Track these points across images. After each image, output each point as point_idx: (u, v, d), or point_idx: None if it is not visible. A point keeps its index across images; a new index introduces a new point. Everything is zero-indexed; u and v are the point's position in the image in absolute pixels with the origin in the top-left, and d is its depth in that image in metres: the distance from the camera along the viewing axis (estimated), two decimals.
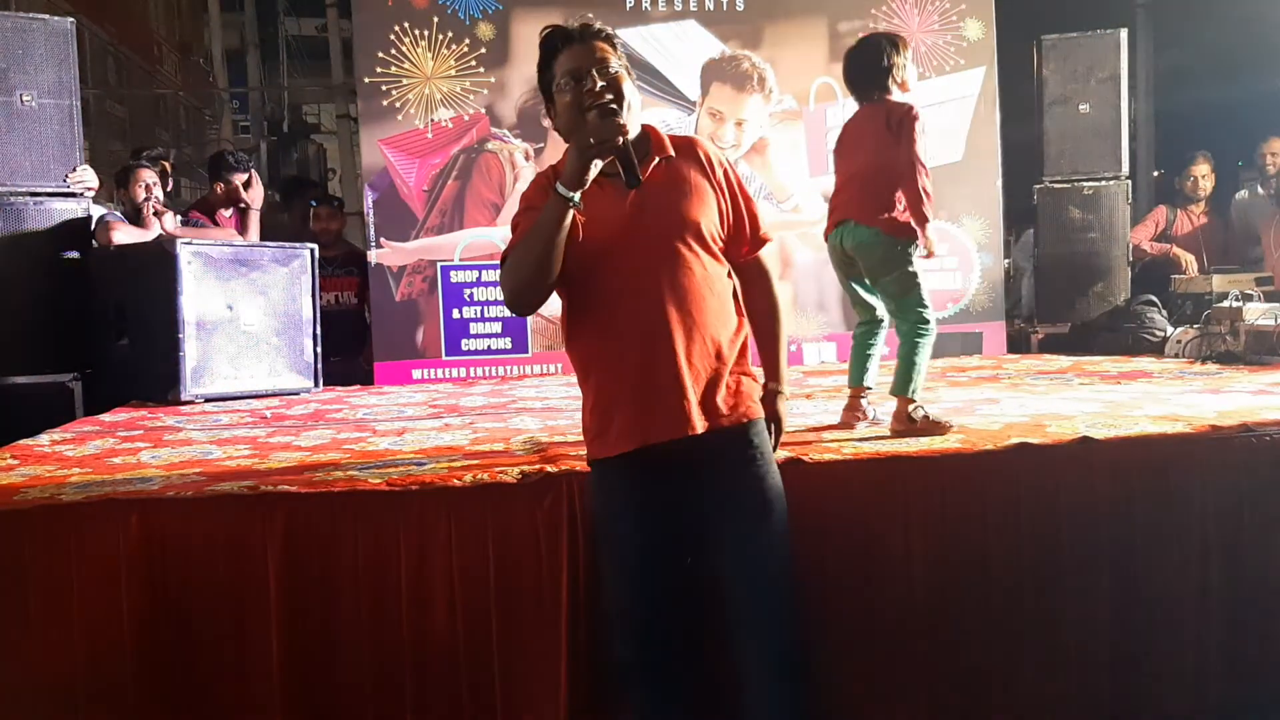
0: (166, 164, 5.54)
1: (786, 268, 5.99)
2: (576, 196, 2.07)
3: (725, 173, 2.30)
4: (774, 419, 2.35)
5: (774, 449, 2.33)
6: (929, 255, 3.42)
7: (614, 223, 2.17)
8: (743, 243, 2.33)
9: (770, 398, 2.35)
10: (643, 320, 2.18)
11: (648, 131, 2.29)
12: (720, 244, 2.27)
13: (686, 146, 2.31)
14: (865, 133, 3.45)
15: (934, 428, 3.12)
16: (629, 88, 2.20)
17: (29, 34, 4.72)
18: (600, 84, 2.14)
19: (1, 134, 4.66)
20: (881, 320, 3.51)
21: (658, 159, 2.24)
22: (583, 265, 2.17)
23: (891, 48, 3.43)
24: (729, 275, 2.31)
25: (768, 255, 2.39)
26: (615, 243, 2.18)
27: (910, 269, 3.39)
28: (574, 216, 2.11)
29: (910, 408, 3.17)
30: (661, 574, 2.25)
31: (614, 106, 2.10)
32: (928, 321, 3.35)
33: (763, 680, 2.24)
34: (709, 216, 2.24)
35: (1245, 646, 2.86)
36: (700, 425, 2.19)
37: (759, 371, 2.37)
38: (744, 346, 2.30)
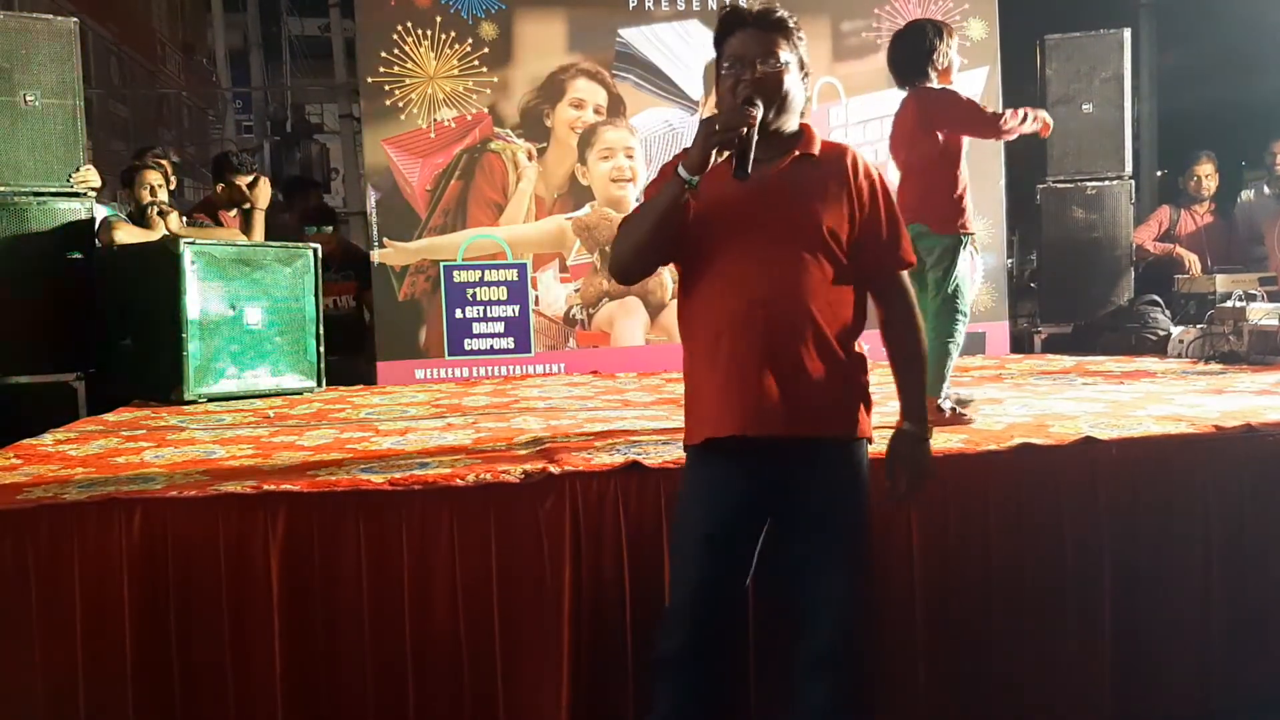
0: (167, 163, 5.55)
1: None
2: (695, 179, 2.07)
3: (870, 184, 2.20)
4: (904, 461, 2.24)
5: (902, 491, 2.25)
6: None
7: (731, 209, 2.16)
8: (878, 258, 2.21)
9: (903, 438, 2.25)
10: (738, 309, 2.14)
11: (802, 129, 2.23)
12: (844, 252, 2.17)
13: (835, 153, 2.24)
14: (903, 128, 3.50)
15: (958, 420, 3.17)
16: (791, 81, 2.17)
17: (32, 34, 4.73)
18: (757, 75, 2.13)
19: (5, 134, 4.67)
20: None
21: (798, 154, 2.18)
22: (695, 246, 2.19)
23: (935, 34, 3.44)
24: (854, 288, 2.21)
25: (907, 279, 2.27)
26: (728, 229, 2.16)
27: (954, 268, 3.38)
28: (688, 198, 2.12)
29: (936, 402, 3.20)
30: (723, 559, 2.20)
31: (755, 99, 2.10)
32: (959, 324, 3.38)
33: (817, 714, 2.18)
34: (833, 222, 2.15)
35: (1249, 647, 2.86)
36: (781, 428, 2.12)
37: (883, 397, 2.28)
38: (859, 364, 2.21)
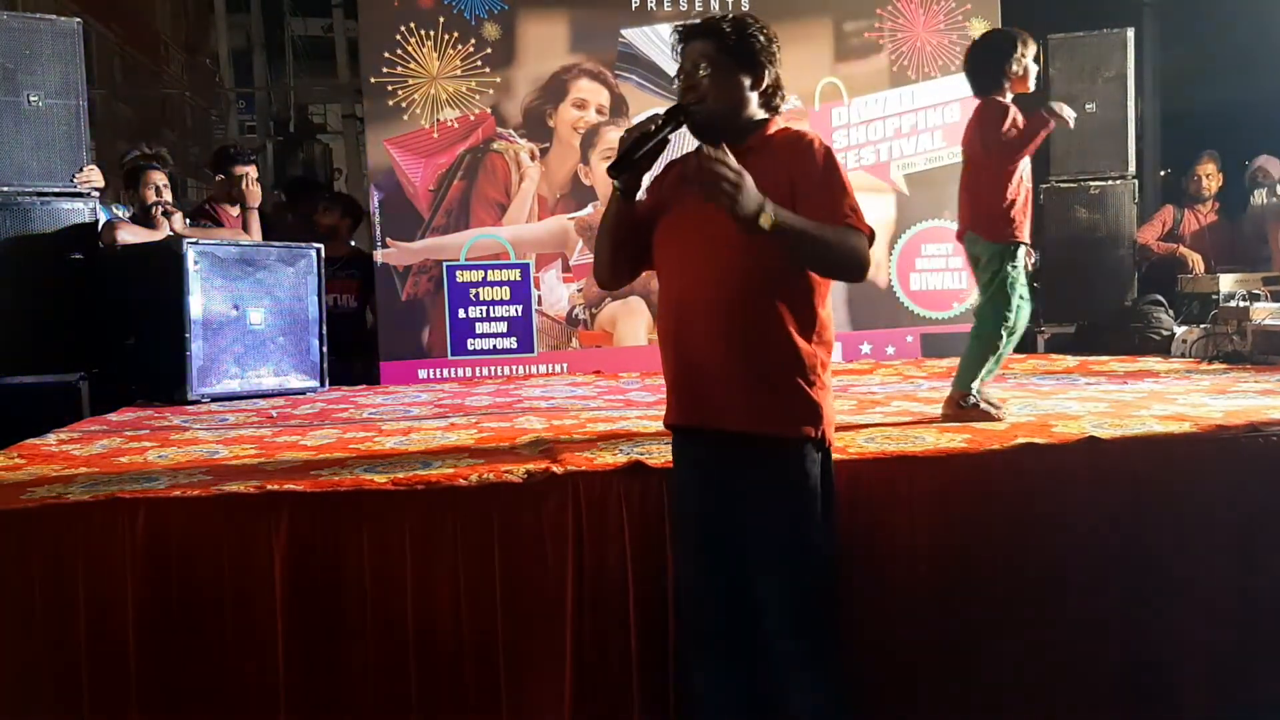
0: (164, 154, 5.55)
1: None
2: (617, 182, 2.24)
3: (809, 162, 2.20)
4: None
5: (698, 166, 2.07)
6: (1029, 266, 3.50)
7: (682, 213, 2.27)
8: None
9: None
10: (679, 305, 2.28)
11: (760, 125, 2.29)
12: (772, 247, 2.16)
13: (784, 140, 2.27)
14: (968, 135, 3.54)
15: (983, 415, 3.25)
16: (716, 82, 2.24)
17: (36, 34, 4.73)
18: (688, 84, 2.27)
19: (9, 134, 4.67)
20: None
21: (745, 153, 2.15)
22: (657, 251, 2.33)
23: (1009, 44, 3.45)
24: (798, 286, 2.21)
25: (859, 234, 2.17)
26: (678, 232, 2.29)
27: (1003, 274, 3.41)
28: (638, 201, 2.30)
29: (963, 397, 3.31)
30: (709, 551, 2.32)
31: (670, 110, 2.24)
32: (1001, 332, 3.41)
33: (789, 676, 2.28)
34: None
35: (1255, 647, 2.86)
36: (703, 420, 2.26)
37: (825, 395, 2.25)
38: (794, 362, 2.21)
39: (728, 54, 2.24)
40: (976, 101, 3.53)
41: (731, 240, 2.13)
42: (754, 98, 2.29)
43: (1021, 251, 3.44)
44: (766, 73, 2.29)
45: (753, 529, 2.25)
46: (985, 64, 3.48)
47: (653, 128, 2.19)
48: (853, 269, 2.17)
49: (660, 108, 2.35)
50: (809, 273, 2.22)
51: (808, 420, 2.22)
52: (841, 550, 2.37)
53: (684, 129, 2.25)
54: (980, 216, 3.47)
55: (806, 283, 2.23)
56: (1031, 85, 3.50)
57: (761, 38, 2.27)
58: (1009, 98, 3.47)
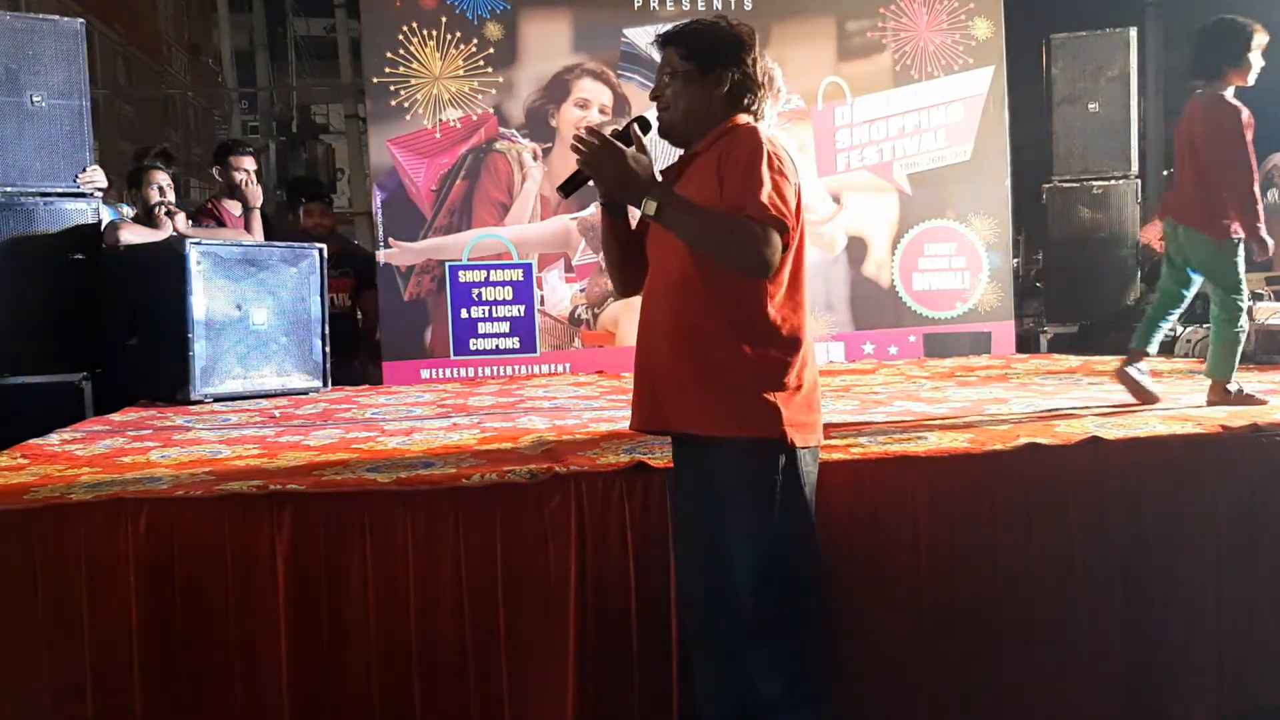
0: (170, 155, 5.55)
1: None
2: (600, 196, 2.30)
3: (736, 154, 2.16)
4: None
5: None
6: (1262, 257, 3.57)
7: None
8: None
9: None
10: (644, 313, 2.34)
11: (712, 134, 2.26)
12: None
13: (724, 132, 2.25)
14: (1187, 127, 3.61)
15: (1249, 400, 3.38)
16: (676, 89, 2.27)
17: (39, 35, 4.73)
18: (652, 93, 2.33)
19: (12, 135, 4.67)
20: (1183, 301, 3.73)
21: (694, 157, 2.28)
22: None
23: (1249, 35, 3.49)
24: (742, 287, 2.18)
25: (761, 225, 2.10)
26: (651, 237, 2.34)
27: (1235, 266, 3.53)
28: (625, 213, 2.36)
29: (1226, 384, 3.46)
30: (687, 539, 2.40)
31: (640, 118, 2.29)
32: (1239, 316, 3.54)
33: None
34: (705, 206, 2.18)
35: (1259, 648, 2.85)
36: (649, 424, 2.33)
37: (788, 397, 2.21)
38: (739, 363, 2.19)
39: (691, 60, 2.25)
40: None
41: (678, 248, 2.19)
42: (720, 101, 2.27)
43: (1240, 244, 3.52)
44: (731, 74, 2.26)
45: (722, 527, 2.29)
46: (1217, 50, 3.51)
47: (582, 148, 2.21)
48: (745, 263, 2.12)
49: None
50: (756, 284, 2.20)
51: (758, 423, 2.18)
52: (820, 552, 2.35)
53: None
54: (1198, 211, 3.54)
55: (751, 286, 2.18)
56: (1251, 79, 3.53)
57: (727, 40, 2.27)
58: (1230, 91, 3.52)
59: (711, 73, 2.25)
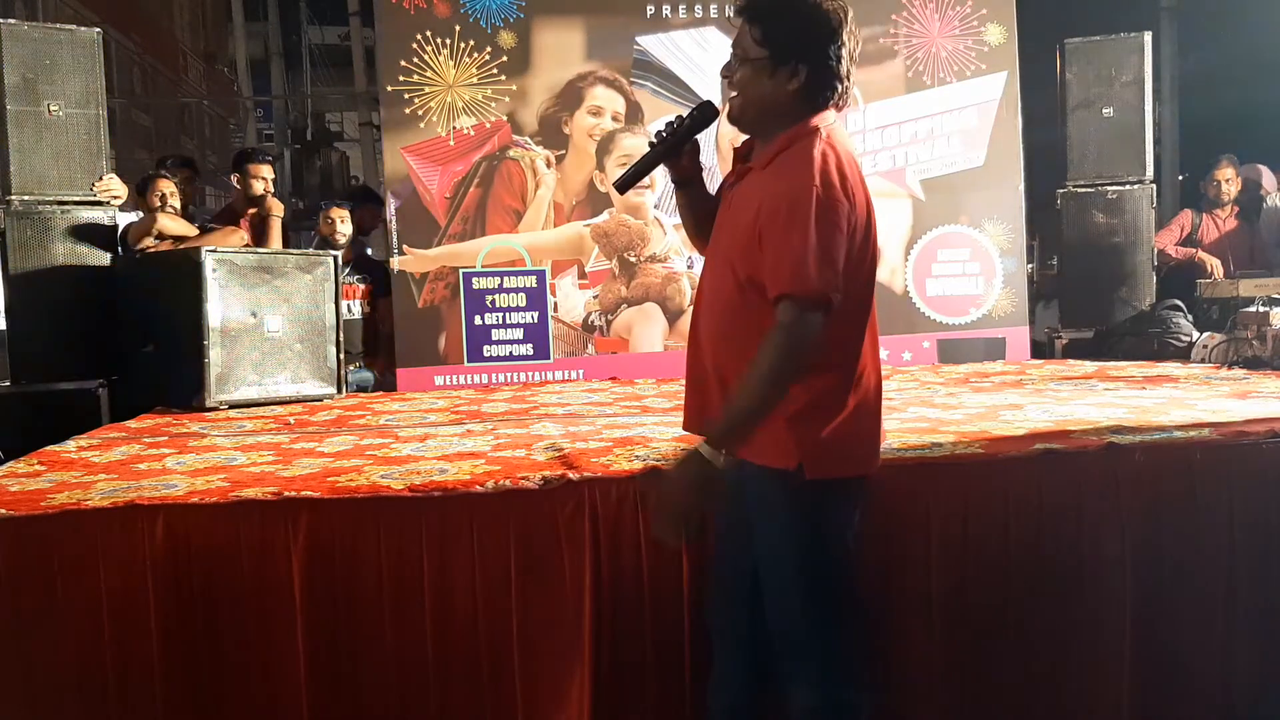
0: (184, 173, 5.59)
1: None
2: (679, 179, 2.31)
3: (778, 204, 1.99)
4: (671, 481, 2.06)
5: (659, 524, 2.11)
6: None
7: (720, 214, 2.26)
8: (767, 284, 2.01)
9: (684, 457, 2.05)
10: (695, 311, 2.27)
11: (782, 136, 2.07)
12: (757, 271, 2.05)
13: (780, 165, 2.05)
14: None
15: None
16: (744, 78, 2.07)
17: (56, 45, 4.77)
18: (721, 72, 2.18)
19: (29, 143, 4.72)
20: None
21: (752, 168, 2.13)
22: None
23: None
24: (755, 313, 2.06)
25: (786, 311, 1.97)
26: (714, 233, 2.25)
27: None
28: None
29: None
30: (722, 554, 2.33)
31: (700, 106, 2.26)
32: None
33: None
34: (747, 241, 2.05)
35: (1272, 656, 2.83)
36: (698, 430, 2.21)
37: (820, 428, 2.07)
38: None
39: (766, 44, 2.03)
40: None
41: (735, 265, 2.07)
42: (791, 96, 2.05)
43: None
44: (809, 68, 2.03)
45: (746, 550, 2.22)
46: None
47: (667, 134, 2.21)
48: (802, 367, 1.99)
49: (671, 114, 2.39)
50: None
51: (778, 454, 2.05)
52: (847, 583, 2.24)
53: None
54: None
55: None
56: None
57: (811, 27, 2.02)
58: None
59: (785, 65, 2.03)
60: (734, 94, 2.11)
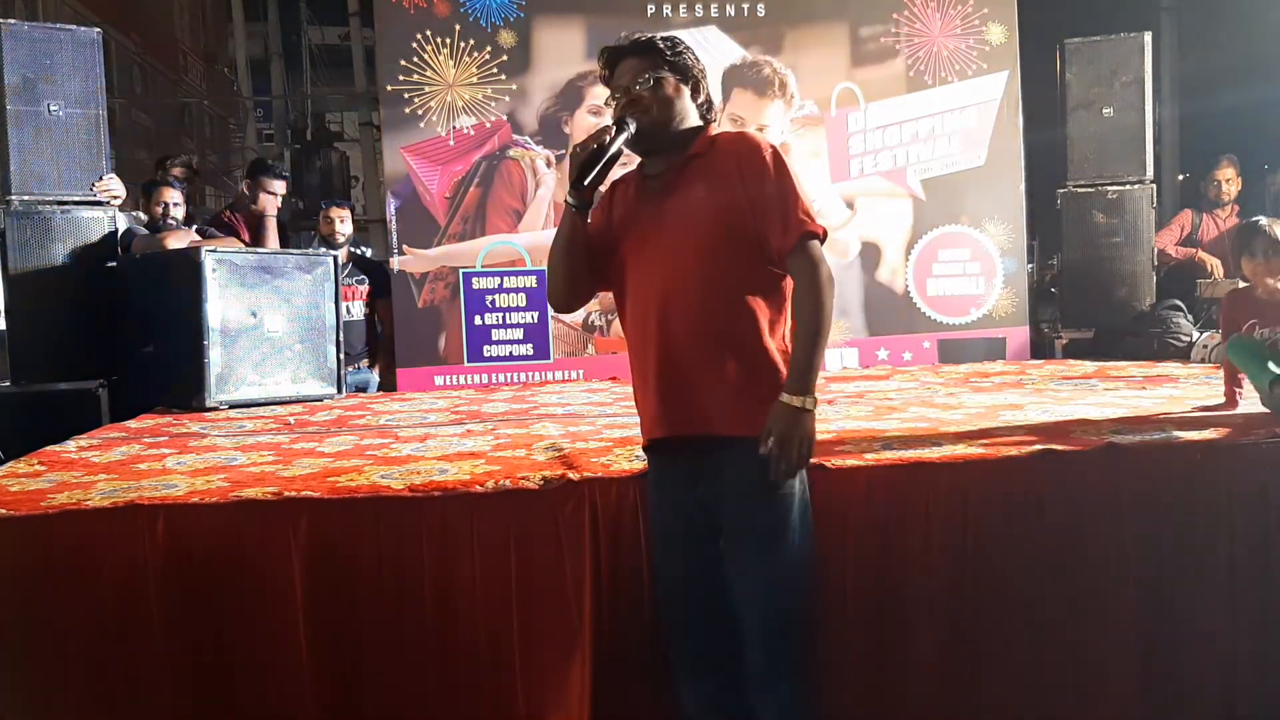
0: (185, 170, 5.60)
1: None
2: (577, 202, 2.28)
3: (757, 161, 2.22)
4: (777, 436, 2.15)
5: (779, 469, 2.16)
6: None
7: (636, 226, 2.33)
8: (777, 236, 2.21)
9: (777, 411, 2.16)
10: (646, 318, 2.29)
11: (697, 134, 2.33)
12: (743, 242, 2.22)
13: (730, 141, 2.30)
14: None
15: None
16: (664, 95, 2.30)
17: (56, 44, 4.77)
18: (630, 97, 2.30)
19: (29, 143, 4.71)
20: None
21: (688, 157, 2.30)
22: (615, 264, 2.36)
23: None
24: (766, 282, 2.25)
25: (813, 249, 2.20)
26: (634, 245, 2.33)
27: None
28: (590, 217, 2.34)
29: None
30: (678, 559, 2.35)
31: (626, 118, 2.27)
32: None
33: (759, 684, 2.29)
34: (728, 212, 2.22)
35: (1271, 656, 2.83)
36: (684, 428, 2.25)
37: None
38: (767, 361, 2.23)
39: (668, 68, 2.31)
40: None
41: (702, 248, 2.21)
42: (693, 109, 2.35)
43: None
44: (702, 85, 2.37)
45: (733, 533, 2.26)
46: None
47: (607, 139, 2.22)
48: (829, 302, 2.20)
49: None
50: (781, 279, 2.27)
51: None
52: (816, 557, 2.38)
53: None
54: None
55: (779, 289, 2.27)
56: None
57: (691, 56, 2.36)
58: None
59: (687, 82, 2.35)
60: (643, 115, 2.29)
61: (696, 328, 2.22)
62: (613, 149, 2.21)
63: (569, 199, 2.28)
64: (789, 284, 2.27)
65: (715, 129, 2.37)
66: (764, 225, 2.21)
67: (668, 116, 2.30)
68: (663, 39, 2.34)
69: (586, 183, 2.22)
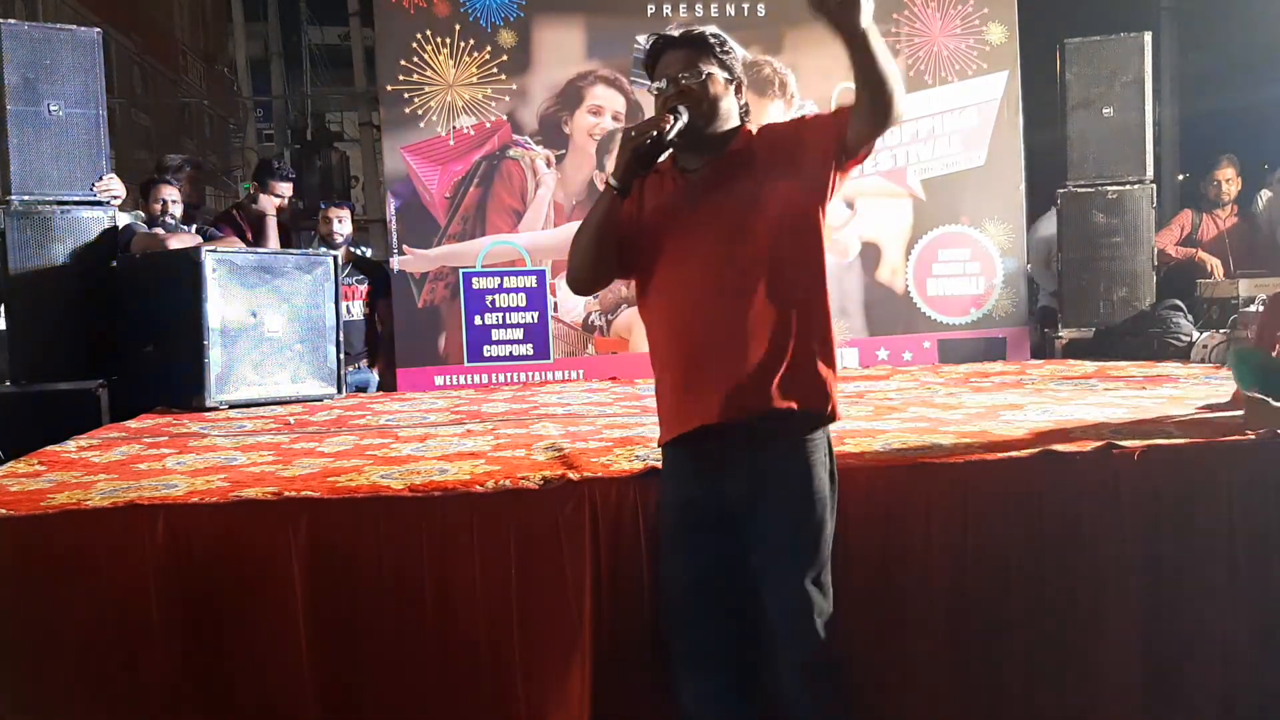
0: (189, 172, 5.60)
1: None
2: (621, 186, 2.24)
3: (799, 119, 2.35)
4: None
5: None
6: None
7: (672, 215, 2.32)
8: (828, 130, 2.26)
9: None
10: (682, 308, 2.29)
11: (737, 132, 2.36)
12: (798, 232, 2.25)
13: (768, 130, 2.37)
14: None
15: None
16: (715, 89, 2.30)
17: (56, 44, 4.77)
18: (680, 88, 2.29)
19: (29, 143, 4.71)
20: None
21: (729, 152, 2.32)
22: (643, 255, 2.35)
23: None
24: (807, 269, 2.28)
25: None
26: (670, 234, 2.32)
27: None
28: (625, 206, 2.31)
29: None
30: (690, 555, 2.33)
31: (678, 107, 2.24)
32: None
33: (790, 685, 2.28)
34: (785, 185, 2.25)
35: (1274, 655, 2.83)
36: (719, 416, 2.22)
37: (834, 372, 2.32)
38: (800, 344, 2.25)
39: (716, 62, 2.32)
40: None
41: (736, 232, 2.23)
42: (736, 109, 2.37)
43: None
44: (744, 88, 2.39)
45: (771, 515, 2.25)
46: None
47: (666, 126, 2.20)
48: (896, 85, 2.21)
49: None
50: (815, 256, 2.29)
51: (818, 396, 2.27)
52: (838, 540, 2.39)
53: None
54: None
55: (816, 263, 2.29)
56: None
57: (736, 56, 2.37)
58: None
59: (735, 80, 2.37)
60: (694, 105, 2.29)
61: (738, 318, 2.23)
62: (671, 134, 2.20)
63: (611, 181, 2.25)
64: (819, 277, 2.30)
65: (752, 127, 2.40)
66: (831, 131, 2.24)
67: (715, 112, 2.31)
68: (712, 35, 2.34)
69: (647, 170, 2.23)
